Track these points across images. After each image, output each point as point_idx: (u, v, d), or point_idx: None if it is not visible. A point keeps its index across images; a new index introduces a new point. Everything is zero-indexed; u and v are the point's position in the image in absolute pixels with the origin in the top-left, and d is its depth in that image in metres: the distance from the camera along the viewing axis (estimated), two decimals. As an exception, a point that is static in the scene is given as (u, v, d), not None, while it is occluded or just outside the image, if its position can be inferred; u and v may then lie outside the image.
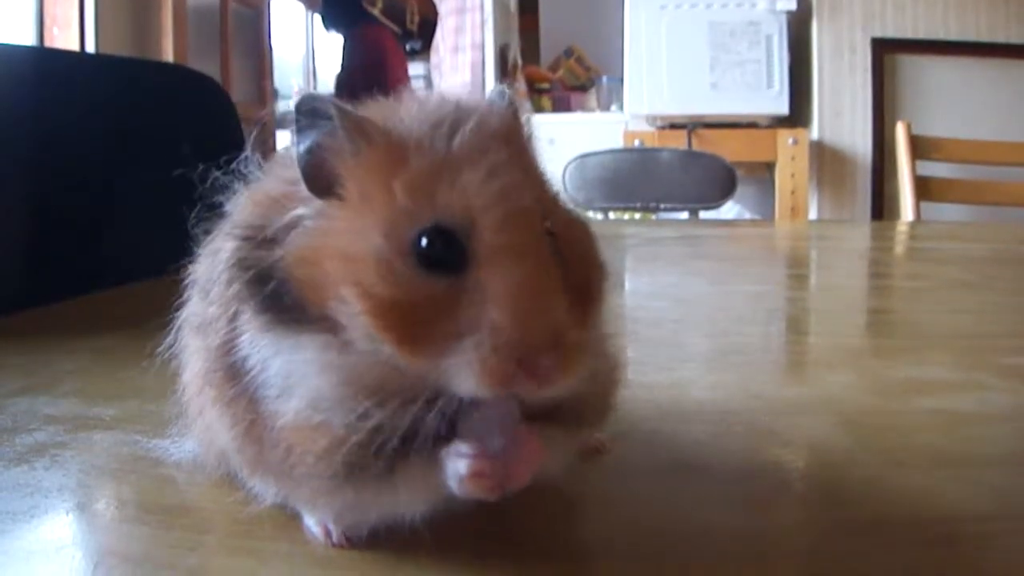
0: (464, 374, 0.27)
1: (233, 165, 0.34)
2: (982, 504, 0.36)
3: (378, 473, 0.29)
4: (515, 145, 0.31)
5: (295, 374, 0.29)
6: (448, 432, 0.29)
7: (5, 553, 0.33)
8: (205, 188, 0.34)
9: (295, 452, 0.29)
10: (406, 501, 0.30)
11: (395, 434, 0.28)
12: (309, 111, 0.30)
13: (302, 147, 0.30)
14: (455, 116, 0.30)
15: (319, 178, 0.30)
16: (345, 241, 0.29)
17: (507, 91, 0.34)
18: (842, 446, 0.43)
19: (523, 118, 0.34)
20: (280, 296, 0.29)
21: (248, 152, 0.35)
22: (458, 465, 0.28)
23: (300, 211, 0.30)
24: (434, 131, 0.30)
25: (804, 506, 0.38)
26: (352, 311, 0.28)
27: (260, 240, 0.30)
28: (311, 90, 0.31)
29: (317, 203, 0.30)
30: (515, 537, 0.33)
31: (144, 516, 0.36)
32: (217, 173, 0.34)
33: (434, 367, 0.27)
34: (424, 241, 0.28)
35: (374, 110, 0.32)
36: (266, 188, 0.33)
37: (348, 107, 0.30)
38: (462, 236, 0.28)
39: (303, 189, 0.30)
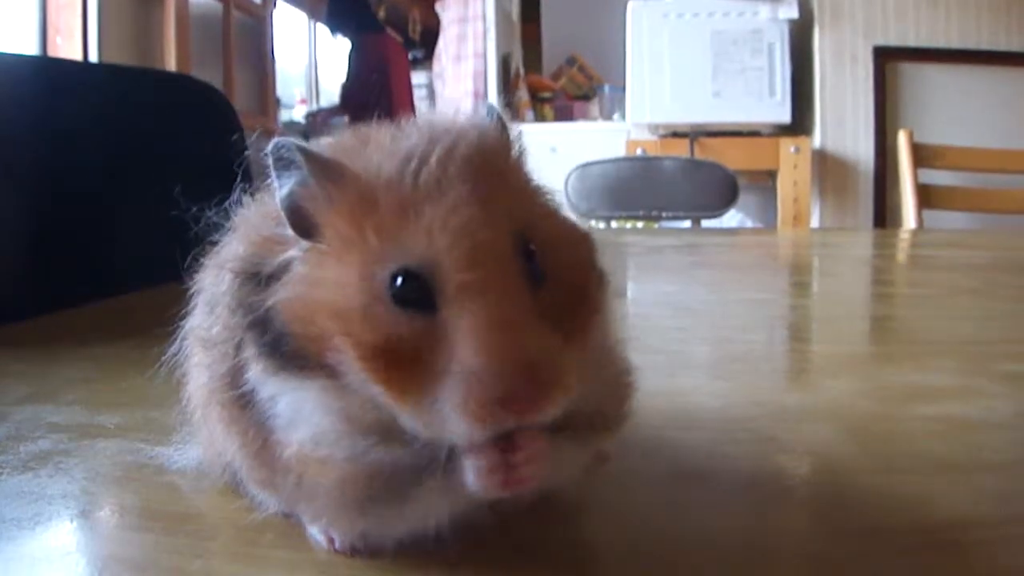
0: (452, 420, 0.27)
1: (224, 205, 0.35)
2: (985, 510, 0.36)
3: (396, 497, 0.29)
4: (490, 167, 0.30)
5: (300, 410, 0.30)
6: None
7: (10, 560, 0.33)
8: (200, 227, 0.35)
9: (306, 482, 0.30)
10: (431, 514, 0.30)
11: (403, 468, 0.28)
12: (279, 159, 0.30)
13: (282, 191, 0.30)
14: (425, 148, 0.30)
15: (301, 222, 0.30)
16: (331, 293, 0.28)
17: (495, 106, 0.34)
18: (845, 453, 0.43)
19: (510, 134, 0.33)
20: (280, 344, 0.29)
21: (238, 194, 0.35)
22: (476, 462, 0.28)
23: (291, 253, 0.30)
24: (403, 167, 0.29)
25: (807, 512, 0.38)
26: (348, 361, 0.28)
27: (257, 280, 0.31)
28: (284, 137, 0.30)
29: (304, 245, 0.30)
30: (519, 545, 0.33)
31: (148, 523, 0.36)
32: (210, 213, 0.35)
33: (424, 413, 0.27)
34: (397, 282, 0.28)
35: (347, 148, 0.32)
36: (257, 225, 0.33)
37: (316, 152, 0.30)
38: (429, 277, 0.28)
39: (290, 230, 0.31)
